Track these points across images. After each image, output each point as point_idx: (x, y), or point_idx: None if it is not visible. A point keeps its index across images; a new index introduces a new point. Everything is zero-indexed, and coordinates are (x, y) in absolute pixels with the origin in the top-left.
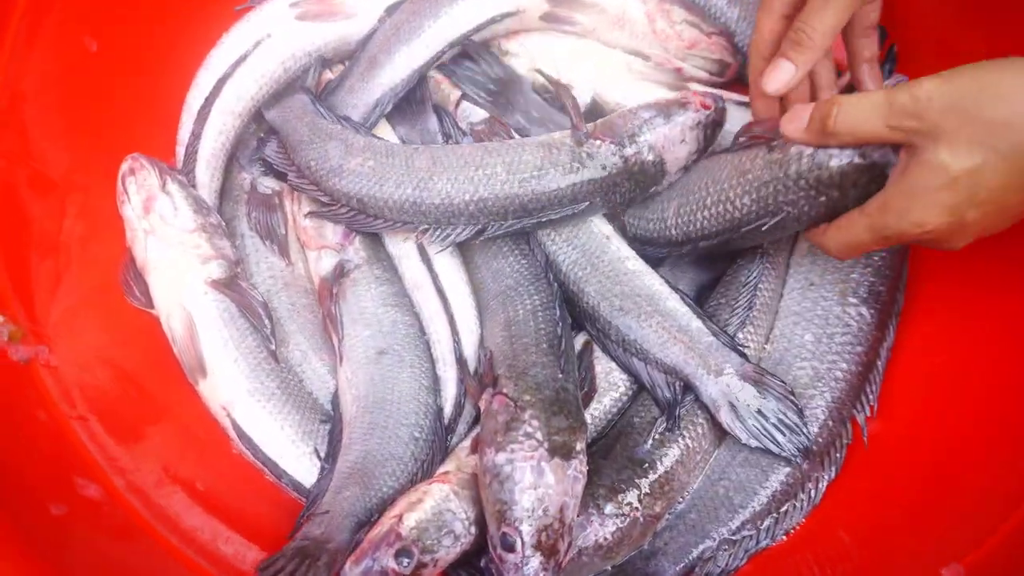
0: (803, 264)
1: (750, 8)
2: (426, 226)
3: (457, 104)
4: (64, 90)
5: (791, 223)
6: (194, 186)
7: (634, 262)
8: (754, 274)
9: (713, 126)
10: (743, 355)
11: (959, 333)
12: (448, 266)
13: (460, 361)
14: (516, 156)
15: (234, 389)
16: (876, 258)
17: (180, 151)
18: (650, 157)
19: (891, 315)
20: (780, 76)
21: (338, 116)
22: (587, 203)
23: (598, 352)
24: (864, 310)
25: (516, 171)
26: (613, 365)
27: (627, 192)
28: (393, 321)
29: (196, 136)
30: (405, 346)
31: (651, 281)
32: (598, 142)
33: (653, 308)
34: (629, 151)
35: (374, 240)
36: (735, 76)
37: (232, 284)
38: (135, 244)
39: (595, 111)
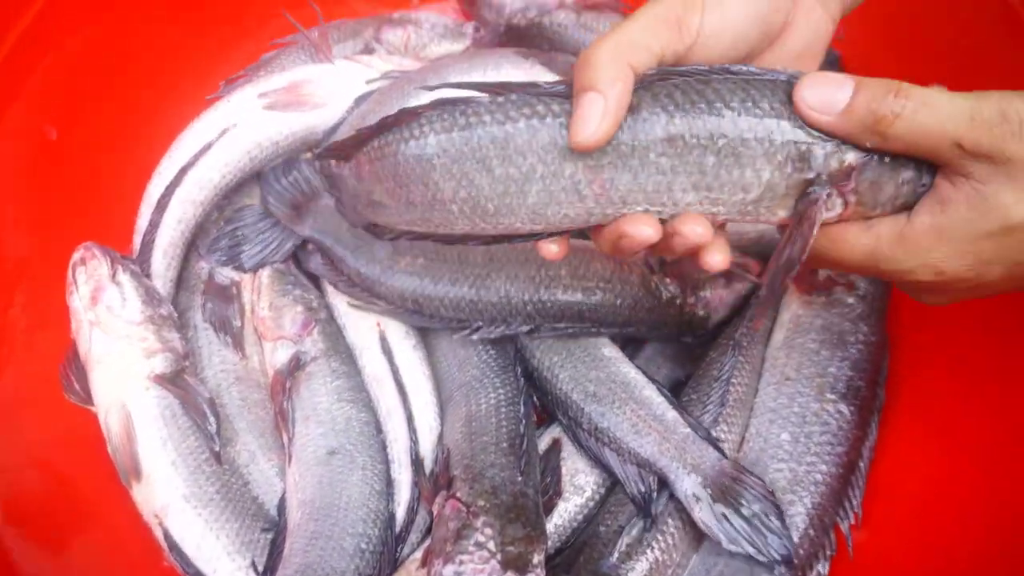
0: (779, 357)
1: None
2: (480, 323)
3: None
4: (22, 178)
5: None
6: (149, 276)
7: (610, 349)
8: (726, 368)
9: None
10: (720, 450)
11: (946, 431)
12: (410, 359)
13: (416, 462)
14: (584, 262)
15: (169, 494)
16: (854, 351)
17: (137, 240)
18: (701, 313)
19: (872, 411)
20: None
21: None
22: (633, 328)
23: (566, 452)
24: (843, 407)
25: (581, 277)
26: (579, 466)
27: (667, 333)
28: (347, 418)
29: (154, 225)
30: (358, 446)
31: (626, 369)
32: (668, 280)
33: (628, 395)
34: (690, 300)
35: (334, 331)
36: None
37: (177, 379)
38: (79, 336)
39: None
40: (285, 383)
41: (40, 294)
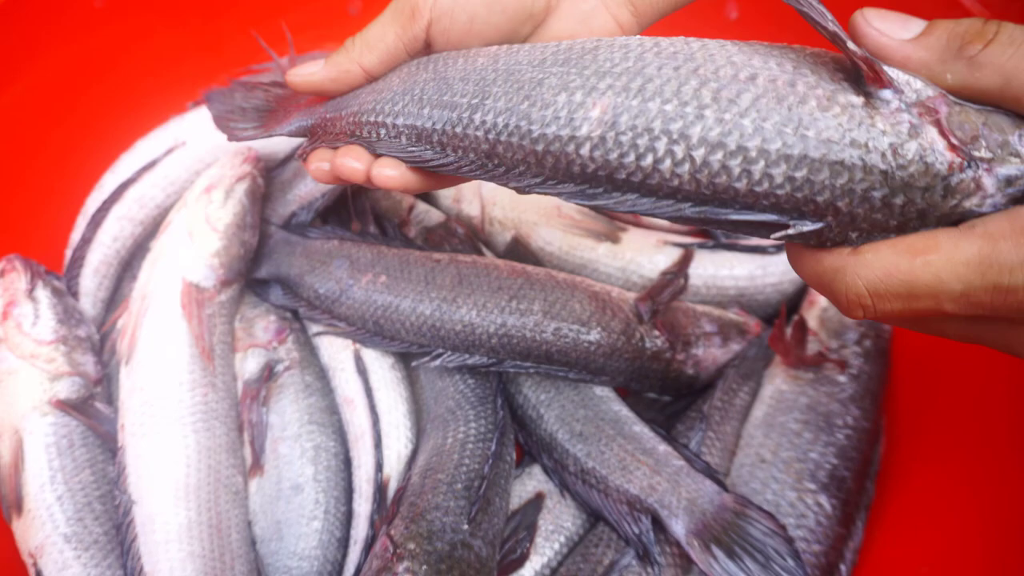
0: (755, 436)
1: None
2: (442, 351)
3: (409, 210)
4: None
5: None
6: (76, 294)
7: (602, 388)
8: (692, 444)
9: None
10: (721, 483)
11: (945, 537)
12: (386, 380)
13: (378, 490)
14: (561, 299)
15: (48, 531)
16: (841, 436)
17: (68, 254)
18: (691, 371)
19: (858, 508)
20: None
21: (332, 229)
22: (608, 378)
23: (551, 502)
24: (824, 499)
25: (555, 316)
26: (564, 522)
27: (650, 386)
28: (316, 446)
29: (86, 241)
30: (324, 483)
31: (617, 407)
32: (656, 332)
33: (616, 431)
34: (678, 356)
35: (308, 342)
36: None
37: (83, 405)
38: None
39: (514, 250)
40: (257, 392)
41: None
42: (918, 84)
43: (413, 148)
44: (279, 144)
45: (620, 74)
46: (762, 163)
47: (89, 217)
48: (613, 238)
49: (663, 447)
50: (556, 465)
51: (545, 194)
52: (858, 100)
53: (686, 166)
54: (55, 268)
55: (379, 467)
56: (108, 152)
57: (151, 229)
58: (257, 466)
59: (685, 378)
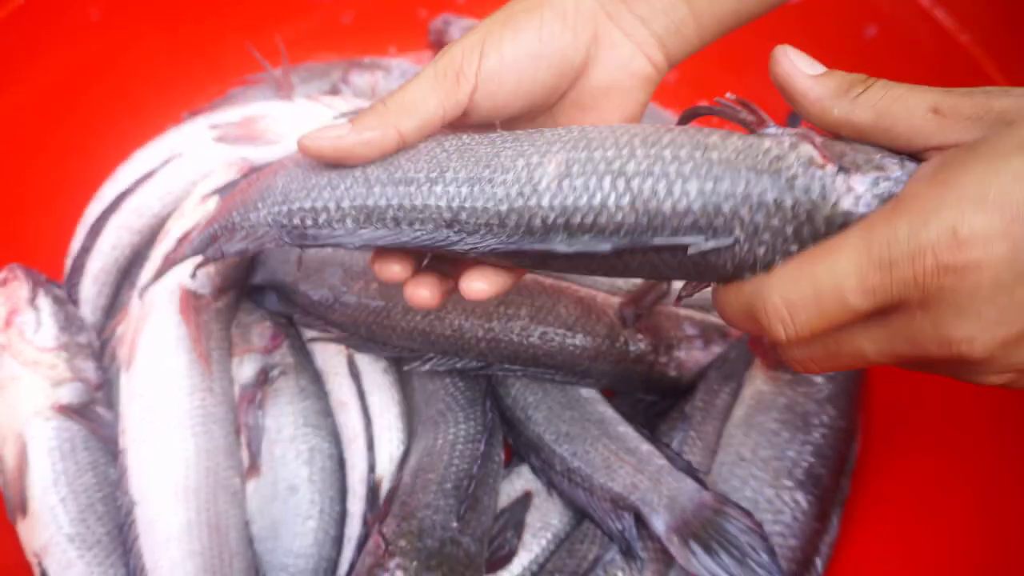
0: (735, 435)
1: None
2: (433, 355)
3: None
4: None
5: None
6: (76, 302)
7: (588, 391)
8: (674, 443)
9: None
10: (701, 481)
11: (914, 531)
12: (379, 383)
13: (371, 490)
14: (548, 303)
15: (52, 532)
16: (817, 435)
17: (68, 263)
18: (673, 373)
19: (833, 504)
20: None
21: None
22: (593, 380)
23: (538, 501)
24: (800, 495)
25: (541, 321)
26: (552, 519)
27: (634, 387)
28: (311, 448)
29: (86, 250)
30: (319, 483)
31: (603, 408)
32: (639, 336)
33: (601, 432)
34: (661, 359)
35: (303, 348)
36: None
37: (84, 410)
38: None
39: None
40: (253, 396)
41: None
42: (794, 130)
43: (363, 230)
44: (274, 152)
45: (568, 140)
46: (680, 182)
47: (88, 226)
48: None
49: (646, 447)
50: (543, 464)
51: (504, 253)
52: (750, 136)
53: (627, 197)
54: (55, 276)
55: (372, 468)
56: (106, 162)
57: (149, 237)
58: (254, 468)
59: (668, 380)
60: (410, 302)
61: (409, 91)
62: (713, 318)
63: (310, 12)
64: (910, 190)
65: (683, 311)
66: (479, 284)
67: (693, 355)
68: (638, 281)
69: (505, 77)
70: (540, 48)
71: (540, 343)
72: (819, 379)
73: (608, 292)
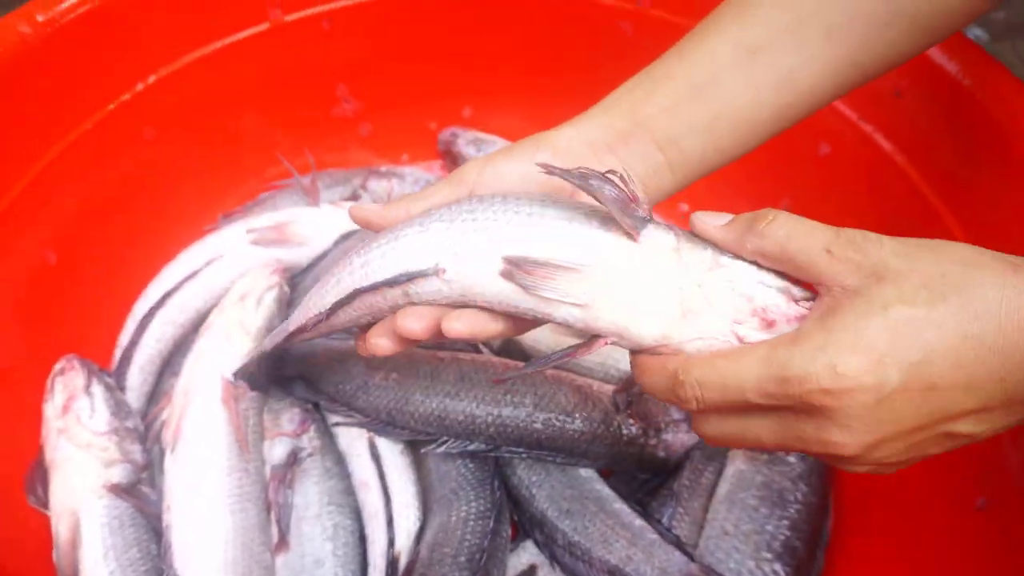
0: (720, 511)
1: None
2: (446, 438)
3: None
4: (20, 295)
5: None
6: (123, 389)
7: (587, 470)
8: (664, 519)
9: None
10: (688, 553)
11: None
12: (397, 464)
13: (391, 564)
14: (549, 392)
15: None
16: (792, 510)
17: (117, 354)
18: (661, 455)
19: (809, 574)
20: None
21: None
22: (592, 461)
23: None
24: (778, 566)
25: (544, 408)
26: None
27: (628, 467)
28: (335, 524)
29: (134, 342)
30: (342, 558)
31: (600, 487)
32: (631, 421)
33: (599, 508)
34: (651, 441)
35: (328, 432)
36: None
37: (132, 489)
38: (47, 442)
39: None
40: (283, 476)
41: (21, 399)
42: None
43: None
44: (303, 253)
45: None
46: None
47: (137, 321)
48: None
49: (639, 522)
50: (546, 539)
51: None
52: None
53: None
54: (104, 366)
55: (391, 543)
56: (148, 261)
57: (190, 331)
58: (283, 543)
59: (658, 460)
60: (371, 351)
61: (425, 189)
62: None
63: (332, 125)
64: (805, 328)
65: None
66: (457, 324)
67: (679, 437)
68: (628, 369)
69: (494, 186)
70: (531, 171)
71: (543, 428)
72: (792, 458)
73: (602, 380)
